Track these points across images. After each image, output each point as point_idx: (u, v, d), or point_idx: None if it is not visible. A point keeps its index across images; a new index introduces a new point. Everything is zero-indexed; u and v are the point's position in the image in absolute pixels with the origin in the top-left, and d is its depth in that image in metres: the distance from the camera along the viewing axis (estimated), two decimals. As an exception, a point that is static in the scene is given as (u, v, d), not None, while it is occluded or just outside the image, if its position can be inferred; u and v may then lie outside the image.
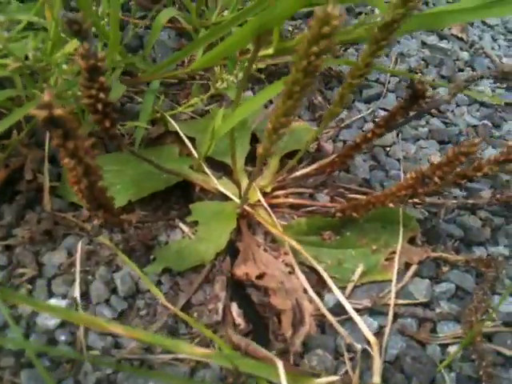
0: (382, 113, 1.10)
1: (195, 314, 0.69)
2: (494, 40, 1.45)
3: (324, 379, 0.58)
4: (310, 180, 0.90)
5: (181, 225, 0.80)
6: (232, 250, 0.76)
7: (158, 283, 0.72)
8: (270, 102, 1.01)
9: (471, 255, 0.82)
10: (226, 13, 1.05)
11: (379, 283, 0.75)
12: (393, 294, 0.73)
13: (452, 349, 0.70)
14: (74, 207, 0.80)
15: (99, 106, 0.55)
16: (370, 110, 1.10)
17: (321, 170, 0.88)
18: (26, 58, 0.68)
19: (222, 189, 0.82)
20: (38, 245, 0.74)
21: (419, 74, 1.22)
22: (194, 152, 0.85)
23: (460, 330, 0.71)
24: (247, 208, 0.81)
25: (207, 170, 0.83)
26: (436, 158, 1.01)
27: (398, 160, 1.00)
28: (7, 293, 0.56)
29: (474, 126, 1.13)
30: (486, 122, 1.14)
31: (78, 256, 0.72)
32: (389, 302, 0.72)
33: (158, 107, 0.89)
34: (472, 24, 1.48)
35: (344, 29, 0.86)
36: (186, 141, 0.85)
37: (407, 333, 0.70)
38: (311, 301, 0.68)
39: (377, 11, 1.22)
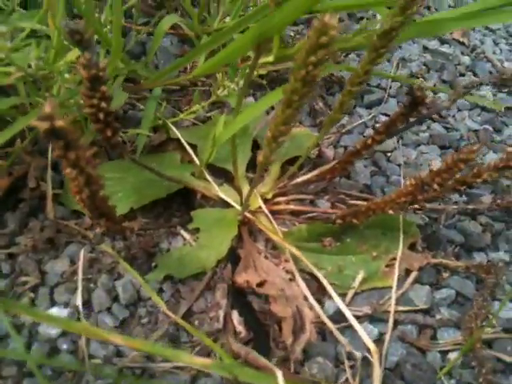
0: (384, 118, 1.10)
1: (196, 322, 0.70)
2: (496, 44, 1.45)
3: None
4: (311, 186, 0.90)
5: (182, 232, 0.80)
6: (233, 257, 0.77)
7: (160, 290, 0.73)
8: (272, 108, 1.01)
9: (471, 261, 0.82)
10: (227, 19, 1.06)
11: (379, 290, 0.75)
12: (393, 301, 0.73)
13: (452, 355, 0.70)
14: (77, 215, 0.80)
15: (101, 116, 0.55)
16: (371, 116, 1.10)
17: (322, 176, 0.88)
18: (29, 65, 0.68)
19: (223, 196, 0.82)
20: (40, 253, 0.75)
21: (420, 79, 1.22)
22: (195, 159, 0.85)
23: (460, 336, 0.71)
24: (248, 215, 0.81)
25: (208, 177, 0.83)
26: (437, 164, 1.01)
27: (399, 165, 1.00)
28: (9, 303, 0.56)
29: (475, 131, 1.13)
30: (487, 126, 1.14)
31: (80, 264, 0.72)
32: (389, 308, 0.72)
33: (159, 114, 0.89)
34: (473, 28, 1.48)
35: (344, 36, 0.86)
36: (188, 148, 0.86)
37: (407, 340, 0.70)
38: (311, 308, 0.69)
39: (378, 16, 1.22)
